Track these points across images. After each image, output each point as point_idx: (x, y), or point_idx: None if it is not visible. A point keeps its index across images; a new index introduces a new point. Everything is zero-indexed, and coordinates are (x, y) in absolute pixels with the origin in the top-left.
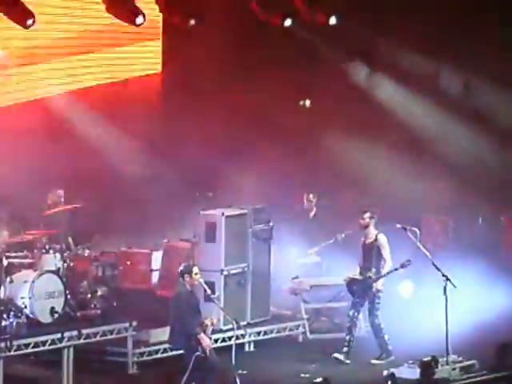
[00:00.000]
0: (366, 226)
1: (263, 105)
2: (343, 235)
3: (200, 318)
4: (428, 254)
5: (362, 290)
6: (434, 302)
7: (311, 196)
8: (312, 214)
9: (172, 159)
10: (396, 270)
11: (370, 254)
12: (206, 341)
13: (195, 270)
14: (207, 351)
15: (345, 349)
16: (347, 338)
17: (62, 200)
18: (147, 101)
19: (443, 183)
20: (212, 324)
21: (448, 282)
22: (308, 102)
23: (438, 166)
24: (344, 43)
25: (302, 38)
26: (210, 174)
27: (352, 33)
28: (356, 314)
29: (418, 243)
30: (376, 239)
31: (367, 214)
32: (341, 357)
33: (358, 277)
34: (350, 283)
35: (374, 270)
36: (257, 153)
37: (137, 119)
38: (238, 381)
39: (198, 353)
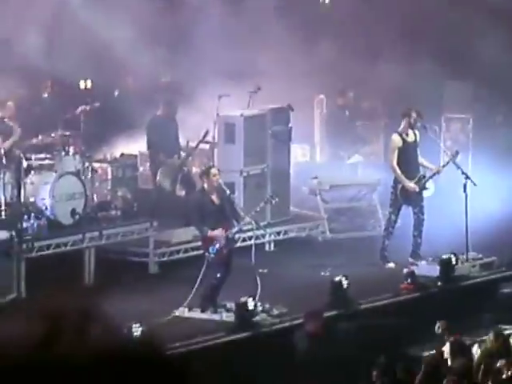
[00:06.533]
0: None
1: None
2: None
3: (213, 218)
4: (448, 151)
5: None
6: (454, 200)
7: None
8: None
9: None
10: (448, 163)
11: (416, 154)
12: (218, 236)
13: (214, 171)
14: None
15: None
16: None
17: None
18: None
19: (463, 82)
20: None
21: (468, 180)
22: None
23: (456, 65)
24: None
25: None
26: None
27: None
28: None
29: (439, 141)
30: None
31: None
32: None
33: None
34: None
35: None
36: None
37: None
38: (258, 279)
39: (206, 253)
